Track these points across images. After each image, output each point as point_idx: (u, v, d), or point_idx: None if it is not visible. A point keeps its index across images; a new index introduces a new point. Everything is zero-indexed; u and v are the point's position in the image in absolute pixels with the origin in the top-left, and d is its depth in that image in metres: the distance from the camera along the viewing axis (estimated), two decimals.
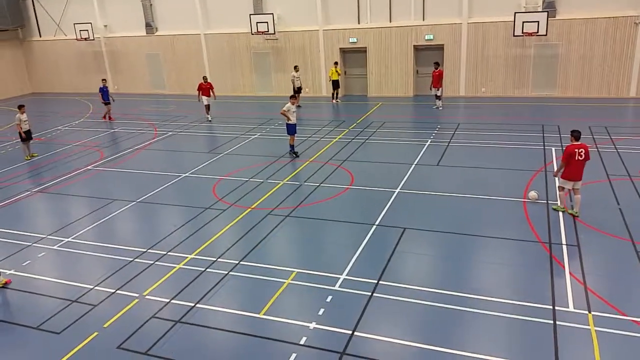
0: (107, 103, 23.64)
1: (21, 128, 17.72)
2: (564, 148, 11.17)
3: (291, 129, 16.30)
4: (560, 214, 11.21)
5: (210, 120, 22.21)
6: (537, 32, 21.42)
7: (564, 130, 17.33)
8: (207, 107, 22.28)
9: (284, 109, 16.01)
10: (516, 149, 15.94)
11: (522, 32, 21.67)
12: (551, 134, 17.16)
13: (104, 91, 23.49)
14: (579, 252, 9.61)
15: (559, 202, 11.46)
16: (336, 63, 24.68)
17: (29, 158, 18.10)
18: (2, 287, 9.73)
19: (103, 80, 24.18)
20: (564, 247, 9.85)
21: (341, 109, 23.79)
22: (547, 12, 21.41)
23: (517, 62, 22.91)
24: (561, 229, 10.53)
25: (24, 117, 17.73)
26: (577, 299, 8.21)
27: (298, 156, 16.36)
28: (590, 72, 21.94)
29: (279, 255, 10.38)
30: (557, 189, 11.56)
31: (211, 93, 22.22)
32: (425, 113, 21.69)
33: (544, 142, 16.26)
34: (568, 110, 20.39)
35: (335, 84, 24.55)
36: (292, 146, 16.51)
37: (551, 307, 8.03)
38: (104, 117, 23.87)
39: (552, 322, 7.69)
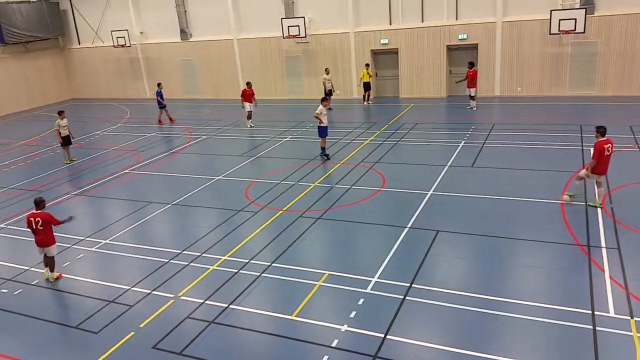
0: (162, 107, 24.08)
1: (60, 133, 18.28)
2: (594, 145, 11.05)
3: (323, 132, 16.35)
4: (600, 213, 10.87)
5: (252, 127, 21.86)
6: (575, 29, 20.84)
7: None
8: (250, 113, 21.95)
9: (317, 111, 16.06)
10: (553, 149, 15.54)
11: (559, 30, 21.11)
12: (589, 134, 16.60)
13: (160, 95, 23.92)
14: (620, 255, 9.29)
15: (575, 191, 11.53)
16: (367, 65, 24.61)
17: (69, 162, 18.67)
18: (55, 280, 10.20)
19: (158, 84, 24.53)
20: (604, 250, 9.54)
21: (373, 111, 23.70)
22: (585, 8, 20.81)
23: (553, 60, 22.34)
24: (600, 232, 10.21)
25: (63, 122, 18.28)
26: (618, 303, 7.94)
27: (329, 158, 16.37)
28: (632, 70, 21.19)
29: (311, 257, 10.40)
30: (576, 178, 11.50)
31: (253, 99, 21.95)
32: (459, 114, 21.38)
33: (582, 143, 15.80)
34: (607, 110, 19.76)
35: (367, 86, 24.48)
36: (323, 149, 16.54)
37: (590, 312, 7.79)
38: (159, 121, 24.32)
39: (591, 327, 7.46)
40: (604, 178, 11.16)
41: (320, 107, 16.14)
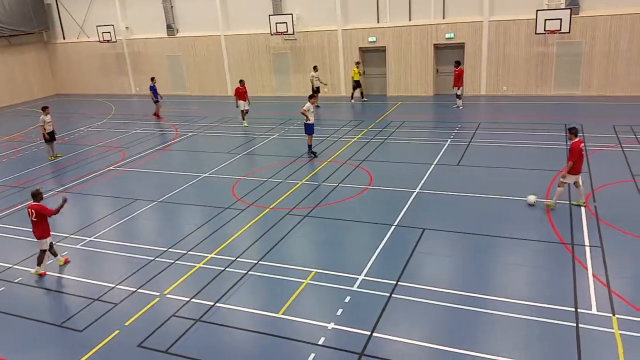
0: (156, 101, 23.93)
1: (45, 129, 18.05)
2: (570, 146, 11.20)
3: (309, 129, 16.35)
4: (583, 212, 11.02)
5: (246, 126, 21.24)
6: (560, 29, 21.05)
7: (587, 129, 17.01)
8: (245, 112, 21.42)
9: (304, 108, 16.07)
10: (538, 148, 15.70)
11: (545, 30, 21.31)
12: None
13: (153, 89, 23.76)
14: (603, 254, 9.43)
15: (555, 198, 11.43)
16: (358, 63, 24.56)
17: (53, 158, 18.45)
18: (39, 276, 10.21)
19: (152, 79, 24.34)
20: (587, 248, 9.68)
21: (360, 109, 23.72)
22: (570, 9, 21.02)
23: (539, 60, 22.54)
24: (584, 230, 10.35)
25: (47, 118, 18.05)
26: (600, 301, 8.06)
27: (316, 156, 16.38)
28: (615, 70, 21.47)
29: (298, 255, 10.40)
30: (558, 185, 11.47)
31: (246, 97, 21.37)
32: (446, 112, 21.50)
33: (566, 142, 15.98)
34: (591, 109, 20.01)
35: (356, 84, 24.44)
36: (310, 146, 16.54)
37: (574, 309, 7.90)
38: (154, 114, 24.19)
39: (574, 324, 7.56)
40: (580, 177, 11.33)
41: (308, 104, 16.15)
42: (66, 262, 10.68)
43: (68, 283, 9.90)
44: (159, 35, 29.82)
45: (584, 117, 18.84)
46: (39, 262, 10.26)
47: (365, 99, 24.80)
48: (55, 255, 10.52)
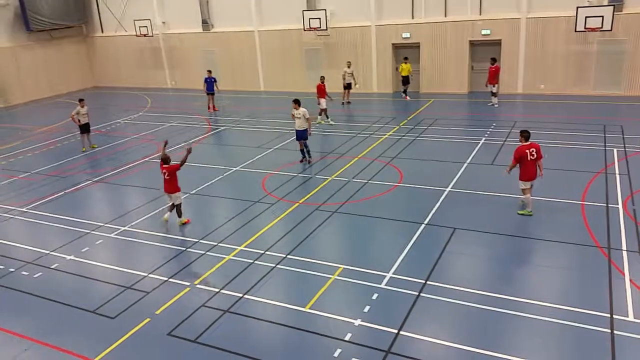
0: (210, 94, 24.30)
1: (79, 121, 18.46)
2: (515, 149, 10.99)
3: (302, 135, 15.44)
4: (621, 215, 10.68)
5: (331, 124, 20.10)
6: (601, 27, 20.38)
7: (627, 131, 16.48)
8: (325, 110, 20.29)
9: (309, 116, 15.27)
10: (575, 149, 15.28)
11: (585, 28, 20.68)
12: (613, 134, 16.34)
13: (208, 82, 24.16)
14: None
15: (528, 207, 11.18)
16: (406, 58, 24.19)
17: (85, 150, 18.81)
18: (182, 225, 11.82)
19: (209, 71, 24.76)
20: (624, 252, 9.37)
21: (392, 106, 23.52)
22: (613, 5, 20.32)
23: (578, 58, 21.91)
24: (622, 234, 10.02)
25: (83, 110, 18.46)
26: (638, 308, 7.79)
27: (308, 160, 15.76)
28: None
29: (326, 251, 10.41)
30: (521, 192, 11.25)
31: (327, 95, 20.32)
32: (480, 110, 21.13)
33: (605, 143, 15.51)
34: (632, 110, 19.34)
35: (405, 80, 24.16)
36: (302, 150, 15.71)
37: (609, 315, 7.67)
38: (209, 108, 24.61)
39: (609, 331, 7.34)
40: (531, 184, 11.04)
41: (304, 109, 15.23)
42: (186, 223, 11.93)
43: (102, 271, 10.15)
44: (195, 30, 30.20)
45: (624, 117, 18.25)
46: (179, 213, 11.84)
47: (408, 97, 24.41)
48: (180, 214, 11.90)
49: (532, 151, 10.82)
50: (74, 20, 33.06)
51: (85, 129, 18.73)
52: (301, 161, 15.74)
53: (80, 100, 18.80)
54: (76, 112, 18.38)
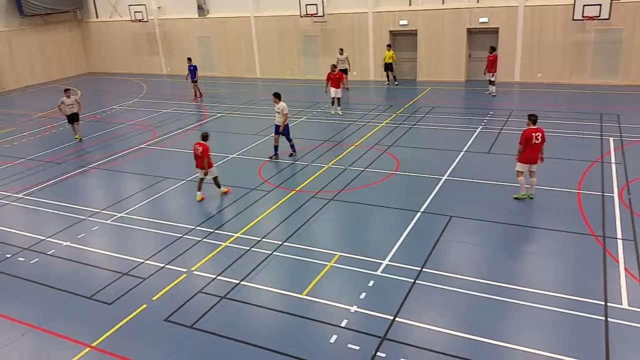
0: (194, 81, 24.11)
1: (65, 111, 17.79)
2: (522, 132, 11.08)
3: (279, 129, 14.87)
4: (617, 204, 10.73)
5: (340, 114, 19.48)
6: (599, 16, 20.34)
7: (624, 120, 16.51)
8: (338, 100, 19.58)
9: (286, 112, 14.70)
10: (572, 138, 15.31)
11: (583, 16, 20.63)
12: (609, 123, 16.38)
13: (191, 70, 23.93)
14: (636, 247, 9.19)
15: (522, 191, 11.38)
16: (389, 45, 24.20)
17: (79, 138, 18.26)
18: (224, 194, 12.66)
19: (189, 59, 24.46)
20: (619, 241, 9.44)
21: (389, 94, 23.46)
22: None
23: (575, 47, 21.87)
24: (617, 223, 10.09)
25: (69, 100, 17.75)
26: (632, 296, 7.87)
27: (277, 157, 15.11)
28: None
29: (322, 238, 10.43)
30: (515, 173, 11.40)
31: (342, 84, 19.69)
32: (477, 98, 21.10)
33: (601, 132, 15.55)
34: (629, 99, 19.38)
35: (387, 67, 24.19)
36: (276, 147, 15.08)
37: (603, 303, 7.74)
38: (195, 96, 24.36)
39: (603, 318, 7.41)
40: (536, 167, 11.18)
41: (284, 103, 14.72)
42: (227, 192, 12.73)
43: (98, 257, 10.15)
44: (190, 16, 29.93)
45: (620, 106, 18.28)
46: (218, 185, 12.63)
47: (397, 83, 24.47)
48: (199, 189, 12.57)
49: (538, 135, 10.90)
50: (68, 5, 32.69)
51: (73, 118, 18.06)
52: (271, 158, 14.98)
53: (66, 90, 18.08)
54: (61, 102, 17.73)
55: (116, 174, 14.88)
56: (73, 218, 11.89)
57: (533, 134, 10.87)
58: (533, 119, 11.06)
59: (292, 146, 15.25)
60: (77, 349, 7.49)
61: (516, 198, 11.41)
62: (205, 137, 12.42)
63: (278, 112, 14.68)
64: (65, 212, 12.27)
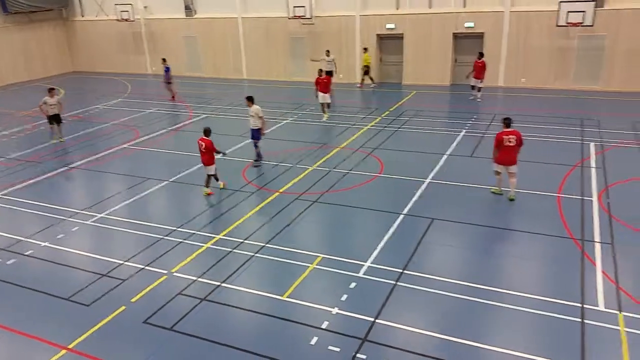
0: (168, 83, 23.81)
1: (47, 112, 17.27)
2: (495, 135, 11.55)
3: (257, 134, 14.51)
4: (595, 208, 10.87)
5: (325, 119, 19.28)
6: (583, 22, 20.62)
7: (604, 125, 16.74)
8: (327, 105, 19.32)
9: (262, 114, 14.22)
10: (554, 142, 15.48)
11: (567, 22, 20.89)
12: (590, 128, 16.59)
13: (166, 71, 23.66)
14: (613, 250, 9.31)
15: (498, 187, 11.91)
16: (365, 49, 24.41)
17: (57, 141, 17.65)
18: (223, 188, 12.89)
19: (163, 60, 24.20)
20: (597, 244, 9.56)
21: (374, 97, 23.55)
22: (595, 1, 20.54)
23: (559, 53, 22.13)
24: (595, 226, 10.21)
25: (52, 100, 17.27)
26: (608, 298, 7.98)
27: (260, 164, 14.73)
28: (638, 66, 20.99)
29: (305, 240, 10.41)
30: (493, 172, 11.86)
31: (330, 89, 19.19)
32: (462, 103, 21.24)
33: (582, 137, 15.74)
34: (610, 105, 19.65)
35: (367, 69, 24.44)
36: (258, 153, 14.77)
37: (580, 305, 7.83)
38: (172, 97, 23.99)
39: (580, 320, 7.50)
40: (515, 169, 11.46)
41: (257, 106, 14.24)
42: (225, 186, 12.94)
43: (77, 258, 10.02)
44: (177, 16, 29.77)
45: (602, 112, 18.53)
46: (217, 178, 12.76)
47: (368, 86, 24.66)
48: (217, 180, 12.81)
49: (511, 138, 11.23)
50: (53, 3, 32.32)
51: (55, 119, 17.50)
52: (256, 162, 14.60)
53: (50, 90, 17.56)
54: (43, 102, 17.17)
55: (98, 174, 14.72)
56: (52, 218, 11.74)
57: (505, 136, 11.24)
58: (506, 122, 11.44)
59: (259, 153, 14.63)
60: (52, 351, 7.39)
61: (493, 192, 11.91)
62: (207, 132, 12.52)
63: (252, 116, 14.26)
64: (45, 212, 12.11)
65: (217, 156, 12.76)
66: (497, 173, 11.74)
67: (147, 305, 8.34)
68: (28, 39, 31.75)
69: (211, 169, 12.57)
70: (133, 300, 8.50)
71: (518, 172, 11.54)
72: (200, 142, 12.44)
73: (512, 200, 11.54)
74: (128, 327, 7.87)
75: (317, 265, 9.29)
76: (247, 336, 7.61)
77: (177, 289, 8.73)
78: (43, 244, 10.56)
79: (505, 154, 11.33)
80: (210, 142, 12.37)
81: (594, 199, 11.44)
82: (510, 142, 11.21)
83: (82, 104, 23.86)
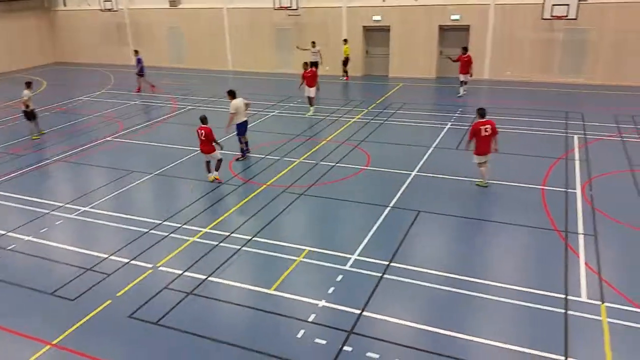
0: (140, 75, 23.52)
1: (27, 106, 16.66)
2: (471, 125, 11.87)
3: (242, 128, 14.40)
4: (579, 200, 11.01)
5: (311, 116, 18.76)
6: (567, 15, 20.78)
7: (588, 118, 16.92)
8: (310, 99, 18.87)
9: (232, 111, 13.98)
10: (538, 135, 15.62)
11: (551, 15, 21.04)
12: (574, 121, 16.77)
13: (137, 62, 23.36)
14: (596, 242, 9.44)
15: (484, 179, 12.03)
16: (345, 40, 24.51)
17: (38, 137, 17.07)
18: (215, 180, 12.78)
19: (136, 51, 23.92)
20: (581, 236, 9.69)
21: (361, 89, 23.53)
22: None
23: (544, 46, 22.30)
24: (578, 218, 10.35)
25: (30, 93, 16.77)
26: (590, 289, 8.09)
27: (245, 157, 14.61)
28: (621, 60, 21.24)
29: (292, 233, 10.40)
30: (475, 165, 12.06)
31: (316, 83, 18.73)
32: (448, 95, 21.30)
33: (566, 129, 15.91)
34: (594, 98, 19.87)
35: (345, 61, 24.67)
36: (246, 143, 14.66)
37: (563, 296, 7.94)
38: (152, 86, 23.71)
39: (563, 311, 7.60)
40: (489, 157, 11.86)
41: (236, 101, 14.00)
42: (217, 180, 12.78)
43: (61, 252, 9.91)
44: (162, 6, 29.40)
45: (585, 105, 18.72)
46: (217, 168, 12.81)
47: (345, 77, 25.02)
48: (215, 169, 12.82)
49: (487, 127, 11.58)
50: None
51: (30, 115, 16.88)
52: (243, 157, 14.49)
53: (29, 84, 16.94)
54: (28, 97, 16.58)
55: (81, 166, 14.54)
56: (36, 212, 11.58)
57: (481, 127, 11.54)
58: (481, 112, 11.78)
59: (242, 150, 14.47)
60: (37, 347, 7.30)
61: (478, 185, 12.06)
62: (204, 120, 12.57)
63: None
64: (28, 205, 11.94)
65: (217, 148, 12.69)
66: (480, 165, 11.91)
67: (132, 299, 8.28)
68: (9, 29, 31.15)
69: (217, 155, 12.67)
70: (118, 294, 8.43)
71: (495, 162, 11.77)
72: (200, 130, 12.44)
73: (485, 187, 11.93)
74: (113, 321, 7.81)
75: (303, 258, 9.29)
76: (233, 330, 7.60)
77: (163, 283, 8.68)
78: (26, 238, 10.42)
79: (483, 144, 11.67)
80: (210, 130, 12.41)
81: (578, 191, 11.58)
82: (486, 131, 11.56)
83: (64, 96, 23.51)
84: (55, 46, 33.98)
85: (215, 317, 7.89)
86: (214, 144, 12.51)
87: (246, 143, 14.71)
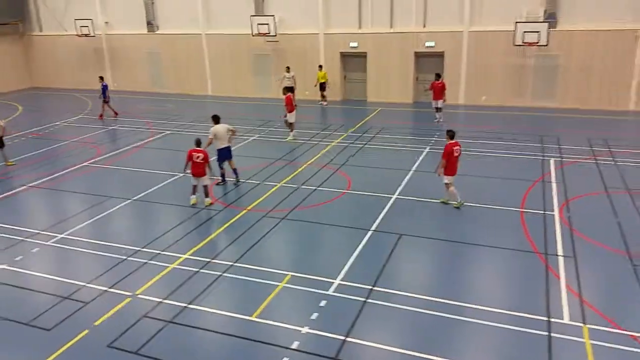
0: (105, 101, 23.37)
1: (2, 133, 16.31)
2: (444, 147, 12.14)
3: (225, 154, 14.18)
4: (557, 222, 11.19)
5: (293, 140, 18.80)
6: (538, 42, 21.44)
7: (563, 141, 17.33)
8: (289, 124, 18.82)
9: (210, 136, 13.98)
10: (514, 158, 15.91)
11: (523, 42, 21.67)
12: (550, 144, 17.15)
13: (104, 88, 23.23)
14: (575, 264, 9.58)
15: (458, 198, 12.22)
16: (320, 66, 24.88)
17: (11, 164, 16.66)
18: (209, 205, 12.72)
19: (101, 77, 23.88)
20: (560, 258, 9.82)
21: (340, 113, 23.74)
22: (548, 22, 21.41)
23: (517, 71, 22.90)
24: (557, 240, 10.50)
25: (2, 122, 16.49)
26: (572, 311, 8.17)
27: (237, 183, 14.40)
28: (590, 84, 21.93)
29: (274, 258, 10.32)
30: (445, 186, 12.32)
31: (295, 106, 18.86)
32: (425, 120, 21.62)
33: (542, 153, 16.25)
34: (567, 122, 20.39)
35: (321, 87, 25.03)
36: (233, 170, 14.44)
37: (546, 318, 7.99)
38: (115, 113, 23.60)
39: (546, 333, 7.65)
40: (454, 179, 12.21)
41: (217, 127, 13.99)
42: (212, 204, 12.79)
43: (37, 280, 9.63)
44: (139, 32, 29.40)
45: (559, 129, 19.18)
46: (207, 194, 12.75)
47: (325, 103, 25.27)
48: (207, 195, 12.81)
49: (457, 148, 12.11)
50: (9, 17, 31.43)
51: (2, 144, 16.49)
52: (223, 182, 14.27)
53: None
54: (2, 127, 16.27)
55: (58, 193, 14.25)
56: (10, 239, 11.27)
57: (454, 147, 12.01)
58: (451, 134, 12.21)
59: (222, 175, 14.27)
60: None
61: (456, 207, 12.23)
62: (198, 142, 12.64)
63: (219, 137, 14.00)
64: (2, 233, 11.61)
65: (208, 173, 12.77)
66: (450, 185, 12.19)
67: (111, 328, 8.06)
68: None
69: (206, 179, 12.66)
70: (96, 323, 8.20)
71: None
72: (195, 153, 12.40)
73: (449, 204, 12.34)
74: (92, 351, 7.58)
75: (286, 283, 9.20)
76: (215, 358, 7.44)
77: (142, 312, 8.48)
78: (1, 266, 10.11)
79: (453, 165, 12.09)
80: (207, 153, 12.52)
81: (556, 213, 11.78)
82: (457, 152, 12.05)
83: (40, 122, 23.14)
84: (32, 71, 33.56)
85: (196, 346, 7.72)
86: (206, 167, 12.56)
87: (234, 170, 14.42)
